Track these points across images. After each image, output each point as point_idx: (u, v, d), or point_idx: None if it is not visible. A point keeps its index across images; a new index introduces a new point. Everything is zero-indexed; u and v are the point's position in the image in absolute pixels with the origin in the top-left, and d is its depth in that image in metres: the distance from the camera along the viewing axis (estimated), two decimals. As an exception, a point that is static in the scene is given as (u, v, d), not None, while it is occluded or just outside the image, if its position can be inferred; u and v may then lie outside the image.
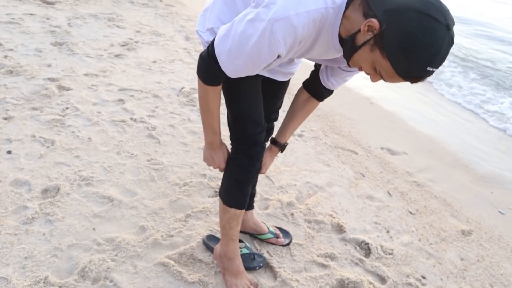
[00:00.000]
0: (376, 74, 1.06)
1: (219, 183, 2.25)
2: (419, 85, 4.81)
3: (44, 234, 1.73)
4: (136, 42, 3.99)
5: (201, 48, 4.12)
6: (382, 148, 3.21)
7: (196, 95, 3.20)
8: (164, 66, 3.62)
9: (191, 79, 3.48)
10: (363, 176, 2.74)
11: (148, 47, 3.97)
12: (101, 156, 2.30)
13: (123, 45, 3.85)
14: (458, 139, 3.79)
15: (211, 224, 1.98)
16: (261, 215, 2.14)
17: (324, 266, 1.90)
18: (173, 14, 5.22)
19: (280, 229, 2.04)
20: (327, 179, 2.60)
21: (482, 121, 4.43)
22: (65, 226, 1.79)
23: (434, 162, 3.22)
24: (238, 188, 1.52)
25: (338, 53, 1.19)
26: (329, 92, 1.56)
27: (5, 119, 2.44)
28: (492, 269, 2.15)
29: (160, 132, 2.65)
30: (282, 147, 1.64)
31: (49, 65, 3.18)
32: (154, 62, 3.65)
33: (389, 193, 2.63)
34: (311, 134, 3.12)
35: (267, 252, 1.90)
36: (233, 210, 1.55)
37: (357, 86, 4.44)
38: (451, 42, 0.93)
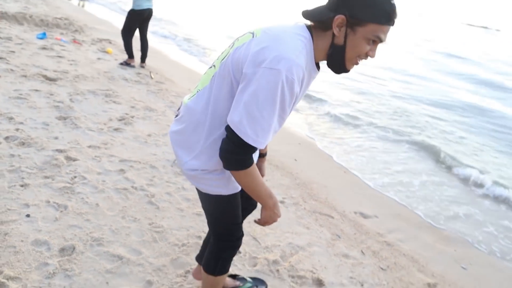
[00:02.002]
0: (373, 46, 1.33)
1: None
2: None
3: (64, 287, 1.99)
4: (132, 117, 4.41)
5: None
6: (355, 212, 3.61)
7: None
8: (158, 139, 4.02)
9: (183, 151, 3.87)
10: (339, 237, 3.09)
11: (143, 121, 4.40)
12: (108, 220, 2.60)
13: (120, 120, 4.26)
14: (423, 204, 4.23)
15: (208, 279, 2.28)
16: (250, 272, 2.45)
17: (307, 315, 2.19)
18: (163, 90, 5.73)
19: (256, 278, 2.35)
20: (307, 240, 2.94)
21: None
22: (82, 281, 2.06)
23: (402, 224, 3.63)
24: (222, 261, 1.78)
25: (314, 78, 1.46)
26: None
27: (22, 186, 2.74)
28: (450, 317, 2.48)
29: (159, 199, 2.98)
30: (265, 154, 1.94)
31: (56, 138, 3.53)
32: (149, 135, 4.05)
33: (362, 252, 2.98)
34: (291, 200, 3.50)
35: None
36: (219, 277, 1.82)
37: (330, 158, 4.93)
38: None
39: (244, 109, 1.28)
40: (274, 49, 1.27)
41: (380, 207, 3.90)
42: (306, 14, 1.39)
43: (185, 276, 2.26)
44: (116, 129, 4.00)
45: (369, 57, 1.37)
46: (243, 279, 2.27)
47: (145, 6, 6.30)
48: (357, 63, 1.39)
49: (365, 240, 3.17)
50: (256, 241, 2.77)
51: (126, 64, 6.61)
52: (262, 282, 2.35)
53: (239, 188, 1.61)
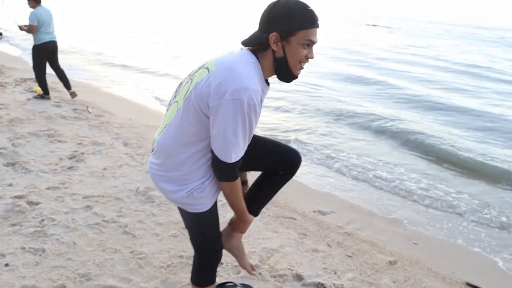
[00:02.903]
0: (309, 49, 1.58)
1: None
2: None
3: (67, 324, 2.04)
4: (82, 153, 4.39)
5: (141, 152, 4.65)
6: (314, 211, 3.92)
7: (153, 192, 3.68)
8: (115, 171, 4.06)
9: (141, 180, 3.95)
10: (305, 235, 3.37)
11: (94, 156, 4.39)
12: (90, 255, 2.65)
13: (71, 158, 4.23)
14: (367, 196, 4.66)
15: (201, 292, 2.42)
16: (236, 279, 2.63)
17: (295, 307, 2.42)
18: (105, 123, 5.70)
19: (243, 284, 2.54)
20: (278, 242, 3.18)
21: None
22: (83, 315, 2.11)
23: (356, 215, 4.00)
24: (207, 273, 1.96)
25: (266, 93, 1.68)
26: None
27: (-9, 238, 2.69)
28: (417, 285, 2.84)
29: (132, 228, 3.06)
30: (246, 182, 2.17)
31: (10, 185, 3.46)
32: (105, 169, 4.07)
33: (328, 245, 3.27)
34: (255, 209, 3.72)
35: (251, 304, 2.38)
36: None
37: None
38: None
39: (222, 138, 1.52)
40: (232, 81, 1.48)
41: (334, 204, 4.25)
42: (246, 43, 1.64)
43: (178, 294, 2.39)
44: (69, 168, 3.98)
45: (309, 59, 1.62)
46: (233, 285, 2.44)
47: (46, 39, 6.31)
48: (302, 67, 1.63)
49: (328, 234, 3.47)
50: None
51: (41, 97, 6.64)
52: (249, 286, 2.54)
53: (215, 199, 1.80)
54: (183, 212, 1.81)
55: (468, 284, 2.99)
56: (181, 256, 2.79)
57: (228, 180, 1.64)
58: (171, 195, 1.70)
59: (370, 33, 41.18)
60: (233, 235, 2.09)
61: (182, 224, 3.22)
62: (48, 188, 3.49)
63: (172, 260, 2.73)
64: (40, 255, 2.59)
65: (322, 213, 3.94)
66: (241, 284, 2.52)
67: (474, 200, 4.81)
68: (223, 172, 1.62)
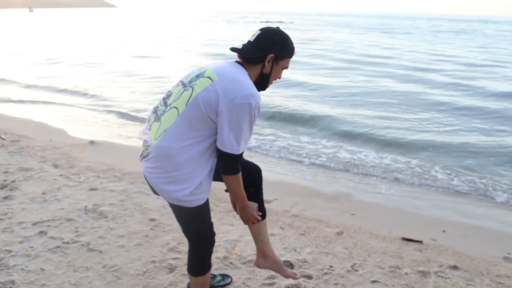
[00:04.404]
0: (282, 72, 1.99)
1: (169, 262, 2.87)
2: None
3: None
4: (13, 181, 4.18)
5: (75, 171, 4.55)
6: (260, 201, 4.20)
7: (103, 208, 3.68)
8: (56, 194, 3.95)
9: (86, 198, 3.90)
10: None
11: (27, 182, 4.20)
12: (63, 277, 2.64)
13: (2, 188, 4.01)
14: (303, 178, 5.08)
15: (185, 288, 2.58)
16: (212, 271, 2.81)
17: (271, 284, 2.70)
18: (25, 148, 5.40)
19: (221, 274, 2.75)
20: (237, 233, 3.41)
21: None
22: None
23: (297, 198, 4.38)
24: (206, 260, 2.16)
25: None
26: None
27: (-51, 281, 2.55)
28: (365, 247, 3.29)
29: (96, 244, 3.07)
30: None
31: None
32: (44, 193, 3.94)
33: (281, 228, 3.59)
34: (208, 207, 3.90)
35: (233, 290, 2.61)
36: (207, 275, 2.18)
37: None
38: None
39: (232, 135, 1.79)
40: (239, 89, 1.78)
41: (274, 191, 4.58)
42: (243, 53, 1.92)
43: (164, 294, 2.52)
44: (5, 198, 3.79)
45: (278, 79, 2.03)
46: (213, 276, 2.63)
47: None
48: (271, 84, 2.03)
49: (278, 219, 3.78)
50: (201, 248, 3.12)
51: None
52: (226, 275, 2.75)
53: (209, 192, 2.00)
54: (179, 209, 1.96)
55: (403, 238, 3.51)
56: (153, 262, 2.89)
57: (235, 173, 1.89)
58: (173, 194, 1.86)
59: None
60: (267, 257, 2.31)
61: (144, 233, 3.30)
62: (-10, 222, 3.31)
63: (146, 267, 2.82)
64: (10, 287, 2.52)
65: (267, 202, 4.24)
66: (220, 274, 2.72)
67: (390, 165, 5.52)
68: (231, 166, 1.86)
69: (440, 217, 4.11)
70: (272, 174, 5.18)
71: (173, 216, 3.50)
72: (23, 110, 8.37)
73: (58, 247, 3.01)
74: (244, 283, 2.71)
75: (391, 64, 16.24)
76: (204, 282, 2.20)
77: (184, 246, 3.13)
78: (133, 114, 8.19)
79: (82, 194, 4.01)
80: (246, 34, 31.49)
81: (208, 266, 2.18)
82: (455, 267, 3.05)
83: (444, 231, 3.77)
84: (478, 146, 6.55)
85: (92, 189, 4.14)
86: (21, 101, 9.25)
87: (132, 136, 6.79)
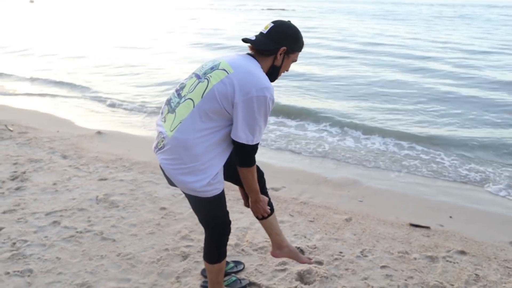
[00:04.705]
0: (290, 65, 2.04)
1: (182, 250, 2.92)
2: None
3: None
4: (23, 172, 4.22)
5: (84, 162, 4.60)
6: (268, 189, 4.23)
7: (113, 198, 3.73)
8: (66, 184, 4.00)
9: (97, 188, 3.95)
10: (269, 210, 3.69)
11: (37, 173, 4.25)
12: (79, 266, 2.70)
13: (13, 179, 4.05)
14: (309, 166, 5.12)
15: (196, 276, 2.63)
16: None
17: (283, 270, 2.75)
18: (33, 139, 5.44)
19: (234, 261, 2.80)
20: (248, 221, 3.46)
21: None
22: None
23: (305, 186, 4.42)
24: (222, 248, 2.21)
25: None
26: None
27: (-32, 270, 2.60)
28: (373, 233, 3.33)
29: (109, 233, 3.13)
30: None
31: (-39, 217, 3.28)
32: (55, 184, 3.99)
33: (291, 215, 3.64)
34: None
35: (245, 275, 2.65)
36: (222, 262, 2.24)
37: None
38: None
39: (247, 127, 1.83)
40: (254, 82, 1.82)
41: (282, 179, 4.62)
42: (253, 43, 1.94)
43: (178, 282, 2.58)
44: (17, 189, 3.84)
45: (286, 71, 2.08)
46: (227, 263, 2.69)
47: None
48: (280, 76, 2.07)
49: (287, 206, 3.83)
50: (213, 236, 3.18)
51: None
52: (239, 262, 2.80)
53: (223, 182, 2.05)
54: (195, 199, 1.99)
55: (411, 224, 3.55)
56: (167, 249, 2.95)
57: (250, 165, 1.94)
58: (191, 185, 1.89)
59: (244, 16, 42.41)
60: (282, 247, 2.39)
61: (155, 222, 3.35)
62: (4, 212, 3.37)
63: (159, 254, 2.88)
64: (28, 275, 2.58)
65: (275, 190, 4.29)
66: (233, 261, 2.78)
67: (396, 153, 5.55)
68: (246, 157, 1.91)
69: (447, 203, 4.15)
70: (278, 161, 5.22)
71: (184, 204, 3.58)
72: (27, 102, 8.40)
73: (72, 236, 3.06)
74: (256, 269, 2.76)
75: (393, 52, 16.11)
76: (220, 269, 2.25)
77: (196, 234, 3.18)
78: (137, 105, 8.20)
79: (92, 184, 4.06)
80: (245, 22, 31.28)
81: (224, 253, 2.22)
82: (462, 252, 3.09)
83: (451, 217, 3.81)
84: (485, 136, 6.55)
85: (102, 179, 4.18)
86: (27, 94, 9.26)
87: (138, 126, 6.83)
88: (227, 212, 2.18)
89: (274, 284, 2.60)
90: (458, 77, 11.38)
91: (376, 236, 3.31)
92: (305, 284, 2.64)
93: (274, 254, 2.41)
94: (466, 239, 3.32)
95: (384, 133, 6.50)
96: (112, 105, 8.24)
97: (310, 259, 2.48)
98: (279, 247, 2.38)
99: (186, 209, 3.61)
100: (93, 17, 36.15)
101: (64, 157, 4.83)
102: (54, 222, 3.25)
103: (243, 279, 2.62)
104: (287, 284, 2.60)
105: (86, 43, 18.32)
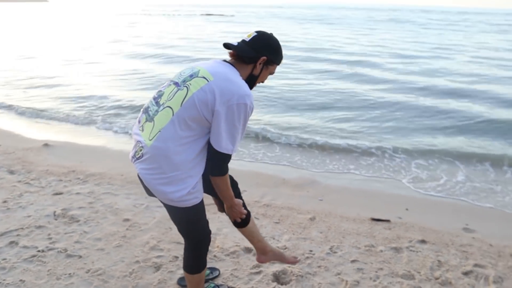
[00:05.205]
0: (267, 77, 2.05)
1: (153, 261, 2.87)
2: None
3: None
4: (-33, 191, 3.92)
5: (34, 176, 4.36)
6: (232, 193, 4.26)
7: (72, 212, 3.56)
8: (18, 201, 3.76)
9: (53, 203, 3.76)
10: (236, 215, 3.70)
11: (-17, 192, 3.97)
12: (46, 286, 2.55)
13: (-44, 199, 3.76)
14: (266, 169, 5.20)
15: (173, 286, 2.60)
16: (198, 266, 2.84)
17: (258, 272, 2.78)
18: (-27, 155, 5.07)
19: (209, 267, 2.80)
20: (214, 227, 3.45)
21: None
22: None
23: (265, 189, 4.48)
24: (202, 258, 2.20)
25: None
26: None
27: None
28: (338, 230, 3.45)
29: (74, 250, 2.99)
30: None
31: None
32: (5, 202, 3.74)
33: (256, 218, 3.67)
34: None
35: (222, 281, 2.66)
36: (203, 272, 2.22)
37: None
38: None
39: (227, 135, 1.82)
40: (234, 89, 1.81)
41: (242, 183, 4.62)
42: (236, 49, 1.94)
43: (155, 293, 2.52)
44: (-37, 210, 3.55)
45: (261, 82, 2.09)
46: None
47: None
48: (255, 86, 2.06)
49: (251, 210, 3.85)
50: (183, 244, 3.13)
51: None
52: (214, 268, 2.80)
53: (203, 190, 2.03)
54: (175, 209, 1.96)
55: (372, 219, 3.72)
56: (137, 262, 2.87)
57: (224, 173, 1.91)
58: (171, 195, 1.86)
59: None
60: (266, 252, 2.43)
61: (121, 234, 3.25)
62: (-48, 236, 3.11)
63: (131, 267, 2.79)
64: (-9, 301, 2.41)
65: (239, 193, 4.30)
66: (208, 268, 2.76)
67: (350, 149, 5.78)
68: (221, 166, 1.88)
69: (401, 196, 4.39)
70: (236, 166, 5.24)
71: (147, 214, 3.52)
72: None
73: (33, 256, 2.89)
74: (232, 274, 2.76)
75: (329, 59, 16.12)
76: (200, 280, 2.23)
77: (165, 244, 3.13)
78: (82, 115, 7.84)
79: (47, 199, 3.85)
80: (182, 28, 30.95)
81: (204, 263, 2.21)
82: (423, 241, 3.29)
83: (407, 209, 4.04)
84: (426, 136, 6.98)
85: (56, 194, 3.98)
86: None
87: (87, 136, 6.55)
88: (207, 221, 2.17)
89: (252, 287, 2.62)
90: (394, 82, 11.67)
91: (342, 232, 3.43)
92: (282, 284, 2.69)
93: (260, 260, 2.45)
94: (424, 229, 3.54)
95: (330, 134, 6.73)
96: (53, 118, 7.78)
97: (295, 257, 2.53)
98: (263, 253, 2.41)
99: (150, 219, 3.54)
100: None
101: (11, 172, 4.54)
102: (11, 242, 3.05)
103: (221, 285, 2.62)
104: (264, 286, 2.63)
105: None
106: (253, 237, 2.37)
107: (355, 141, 6.32)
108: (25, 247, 3.00)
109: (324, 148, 6.06)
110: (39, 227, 3.31)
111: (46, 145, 5.65)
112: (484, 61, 16.09)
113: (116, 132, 6.88)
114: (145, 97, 8.97)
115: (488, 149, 6.17)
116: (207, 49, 18.48)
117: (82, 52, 17.53)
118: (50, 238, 3.14)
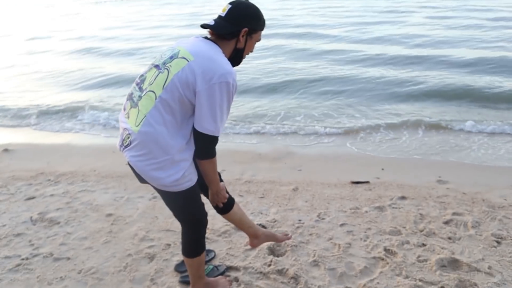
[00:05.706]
0: (254, 45, 1.98)
1: (146, 251, 2.83)
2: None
3: None
4: None
5: (1, 184, 4.16)
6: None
7: (50, 215, 3.43)
8: (-10, 210, 3.58)
9: (27, 208, 3.60)
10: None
11: None
12: (39, 293, 2.47)
13: None
14: (241, 145, 5.20)
15: (171, 274, 2.58)
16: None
17: (253, 248, 2.80)
18: None
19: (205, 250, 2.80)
20: (202, 210, 3.43)
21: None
22: None
23: (243, 165, 4.49)
24: (200, 240, 2.19)
25: None
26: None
27: None
28: (322, 197, 3.53)
29: (60, 252, 2.89)
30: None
31: None
32: (-25, 212, 3.55)
33: (240, 195, 3.69)
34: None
35: (219, 261, 2.67)
36: (202, 255, 2.22)
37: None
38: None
39: (211, 115, 1.77)
40: (216, 68, 1.75)
41: (220, 161, 4.60)
42: (213, 28, 1.88)
43: (155, 284, 2.50)
44: None
45: (250, 52, 2.02)
46: None
47: None
48: (244, 58, 2.01)
49: (234, 188, 3.87)
50: (173, 231, 3.10)
51: None
52: (209, 250, 2.79)
53: (196, 172, 2.01)
54: (169, 194, 1.93)
55: (352, 182, 3.82)
56: (130, 255, 2.82)
57: (211, 157, 1.88)
58: (163, 181, 1.83)
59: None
60: (258, 236, 2.47)
61: (106, 230, 3.18)
62: None
63: (124, 261, 2.74)
64: (-17, 317, 2.30)
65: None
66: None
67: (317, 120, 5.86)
68: (209, 149, 1.85)
69: (375, 157, 4.53)
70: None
71: (129, 206, 3.47)
72: None
73: (18, 265, 2.77)
74: (227, 253, 2.77)
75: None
76: (200, 263, 2.23)
77: (154, 233, 3.09)
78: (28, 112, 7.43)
79: (19, 205, 3.68)
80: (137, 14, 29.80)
81: (203, 246, 2.20)
82: (403, 197, 3.43)
83: (383, 169, 4.17)
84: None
85: (29, 198, 3.81)
86: None
87: (48, 135, 6.28)
88: (202, 204, 2.15)
89: (250, 263, 2.64)
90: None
91: (326, 198, 3.51)
92: (278, 256, 2.73)
93: (253, 245, 2.49)
94: (402, 186, 3.68)
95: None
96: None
97: (286, 235, 2.56)
98: (255, 237, 2.45)
99: (134, 210, 3.47)
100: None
101: (-26, 183, 4.29)
102: (-9, 253, 2.92)
103: (219, 265, 2.62)
104: (262, 261, 2.66)
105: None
106: (243, 224, 2.39)
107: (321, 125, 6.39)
108: (7, 257, 2.87)
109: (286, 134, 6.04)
110: (18, 234, 3.17)
111: (6, 150, 5.36)
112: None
113: (81, 129, 6.61)
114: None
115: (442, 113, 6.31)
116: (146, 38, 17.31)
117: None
118: (32, 244, 3.02)
